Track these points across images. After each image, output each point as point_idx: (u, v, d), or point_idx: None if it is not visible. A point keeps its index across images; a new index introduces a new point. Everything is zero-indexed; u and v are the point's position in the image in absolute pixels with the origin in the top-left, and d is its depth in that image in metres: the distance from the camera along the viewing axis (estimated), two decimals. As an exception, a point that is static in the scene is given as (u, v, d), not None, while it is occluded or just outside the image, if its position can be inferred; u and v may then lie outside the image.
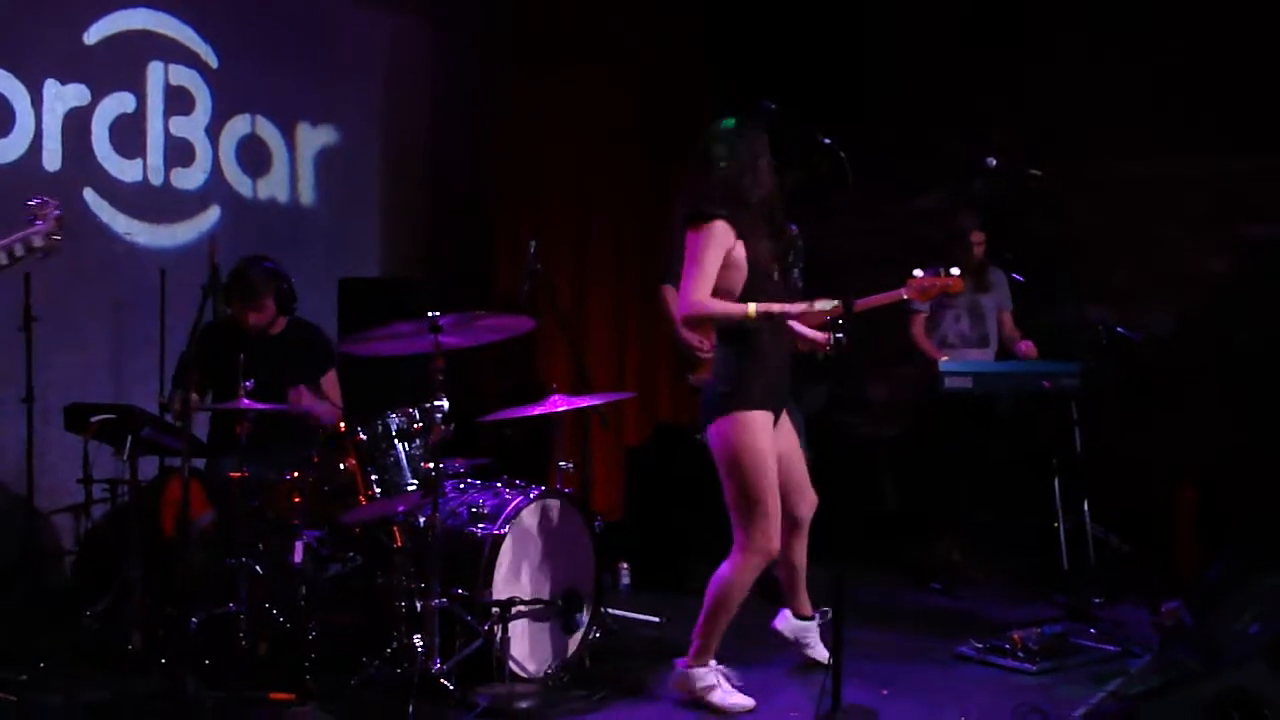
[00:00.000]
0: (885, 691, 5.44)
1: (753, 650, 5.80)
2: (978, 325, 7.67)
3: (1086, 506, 6.91)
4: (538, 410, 5.74)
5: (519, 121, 8.34)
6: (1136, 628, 6.33)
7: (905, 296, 6.06)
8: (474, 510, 5.48)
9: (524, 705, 5.06)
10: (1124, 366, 7.63)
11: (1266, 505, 7.01)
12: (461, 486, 5.76)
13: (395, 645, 5.27)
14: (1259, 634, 4.97)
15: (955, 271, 6.60)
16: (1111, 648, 6.00)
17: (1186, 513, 7.50)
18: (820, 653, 5.66)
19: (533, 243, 6.25)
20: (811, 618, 5.76)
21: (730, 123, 5.26)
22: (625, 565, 7.51)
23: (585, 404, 5.94)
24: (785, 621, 5.79)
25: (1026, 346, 7.47)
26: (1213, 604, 5.87)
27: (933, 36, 9.03)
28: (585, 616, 5.67)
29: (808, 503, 5.52)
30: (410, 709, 4.88)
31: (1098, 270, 8.46)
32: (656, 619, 6.46)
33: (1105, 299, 8.26)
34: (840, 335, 4.86)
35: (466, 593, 5.30)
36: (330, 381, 6.39)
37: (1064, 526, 6.91)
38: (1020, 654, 5.79)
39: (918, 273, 6.56)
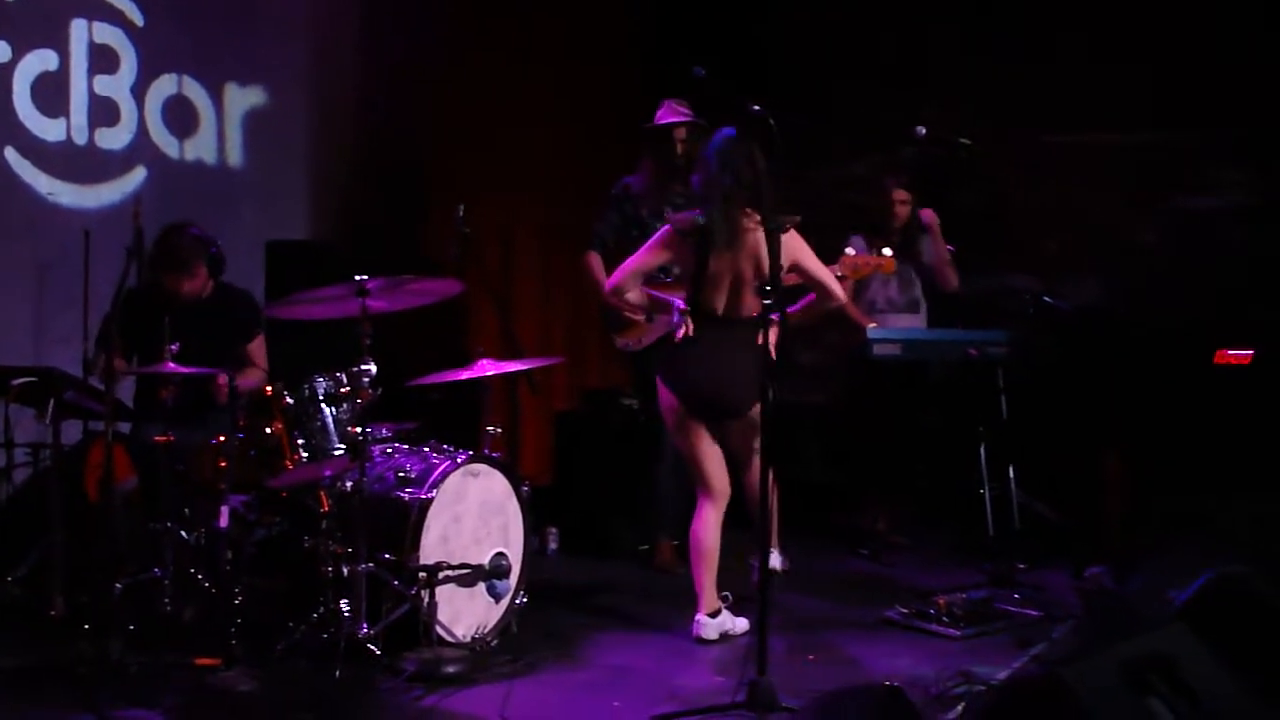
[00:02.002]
0: (811, 657, 5.48)
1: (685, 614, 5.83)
2: (907, 290, 7.66)
3: (1012, 474, 6.97)
4: (466, 375, 5.71)
5: (450, 84, 8.28)
6: (1060, 593, 6.42)
7: (838, 273, 6.08)
8: (401, 475, 5.45)
9: (451, 670, 5.06)
10: (1051, 335, 7.69)
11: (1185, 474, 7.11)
12: (389, 451, 5.73)
13: (322, 610, 5.24)
14: (1179, 597, 5.03)
15: (888, 252, 6.65)
16: (1035, 613, 6.07)
17: (1111, 480, 7.58)
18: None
19: (460, 207, 6.20)
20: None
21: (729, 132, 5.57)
22: (554, 530, 7.50)
23: (514, 368, 5.92)
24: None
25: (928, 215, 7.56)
26: (1135, 569, 5.96)
27: (867, 4, 9.02)
28: (513, 581, 5.66)
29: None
30: (337, 674, 4.87)
31: (1027, 240, 8.51)
32: (584, 583, 6.45)
33: (1034, 268, 8.32)
34: (768, 302, 4.86)
35: (394, 558, 5.28)
36: (257, 346, 6.33)
37: (990, 493, 6.95)
38: (945, 619, 5.85)
39: (850, 250, 6.60)
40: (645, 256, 5.70)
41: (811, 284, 5.66)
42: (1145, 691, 3.95)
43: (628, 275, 5.70)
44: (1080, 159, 8.47)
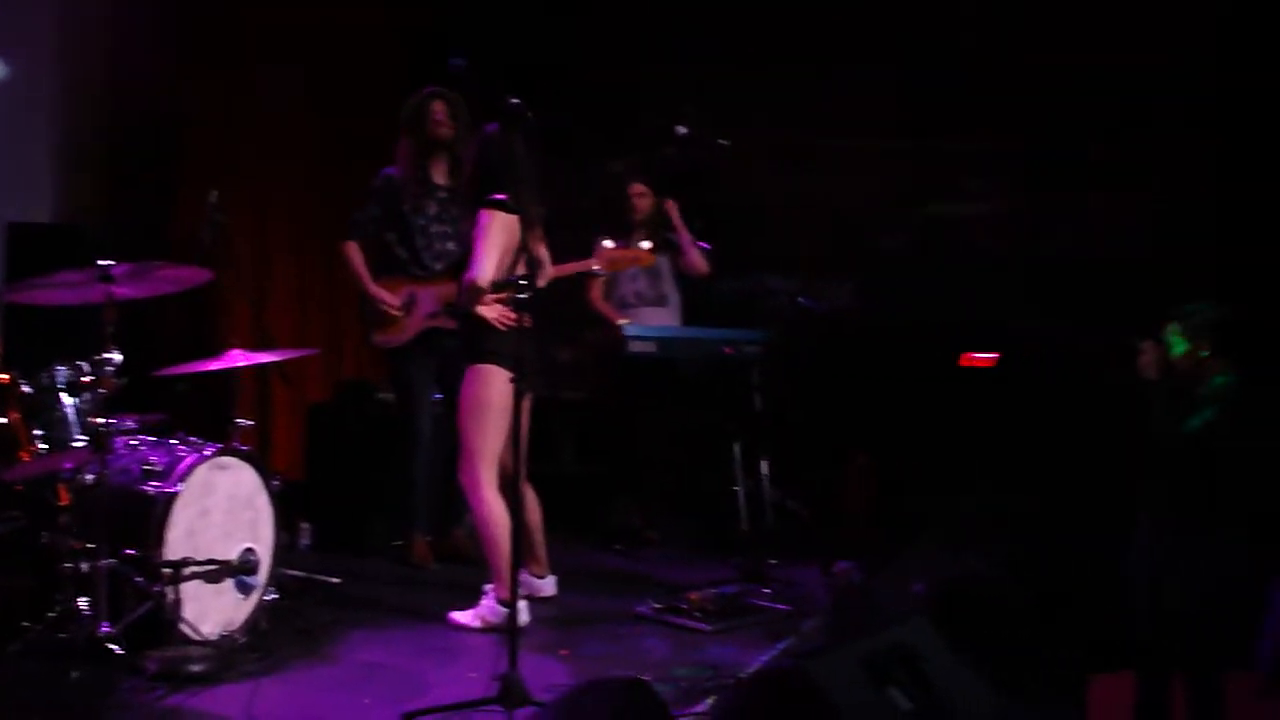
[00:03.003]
0: (564, 651, 5.49)
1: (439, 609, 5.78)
2: (655, 284, 7.69)
3: (765, 470, 7.08)
4: (215, 365, 5.58)
5: (205, 65, 8.05)
6: (809, 588, 6.55)
7: (595, 267, 6.10)
8: (146, 467, 5.28)
9: (196, 669, 4.92)
10: (804, 335, 7.84)
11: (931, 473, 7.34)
12: (133, 443, 5.54)
13: (60, 609, 5.02)
14: (922, 591, 5.19)
15: (646, 245, 6.70)
16: (785, 607, 6.18)
17: (859, 478, 7.77)
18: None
19: (214, 192, 6.03)
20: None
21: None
22: (306, 525, 7.36)
23: (265, 360, 5.80)
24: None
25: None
26: (881, 565, 6.12)
27: (633, 3, 9.06)
28: (262, 577, 5.54)
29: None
30: (74, 675, 4.70)
31: (784, 241, 8.66)
32: (336, 580, 6.35)
33: (789, 269, 8.48)
34: (523, 296, 4.86)
35: (137, 553, 5.10)
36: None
37: (743, 490, 7.05)
38: (697, 614, 5.92)
39: (607, 243, 6.62)
40: (491, 245, 5.55)
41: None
42: (886, 682, 4.06)
43: (489, 266, 5.54)
44: (837, 163, 8.65)
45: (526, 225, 5.22)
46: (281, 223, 8.42)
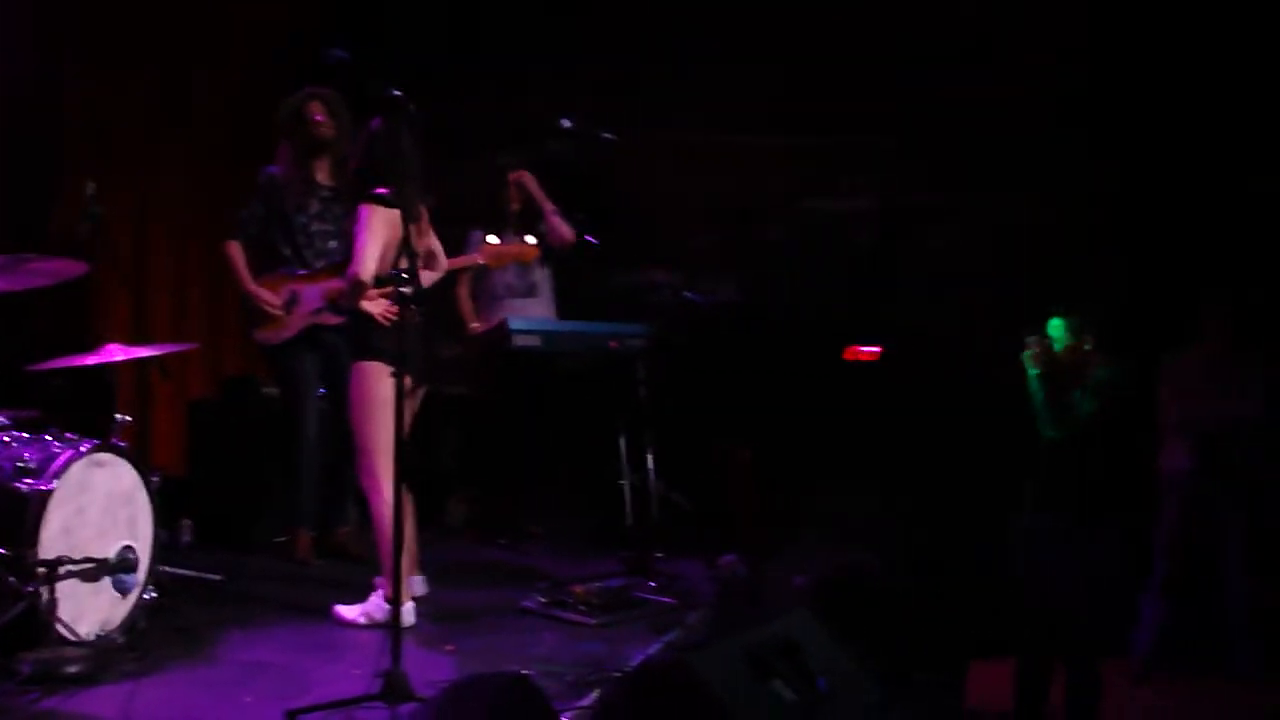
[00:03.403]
0: (450, 647, 5.47)
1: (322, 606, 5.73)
2: (524, 275, 7.65)
3: (651, 464, 7.10)
4: (91, 360, 5.48)
5: (87, 55, 7.89)
6: (695, 581, 6.58)
7: (480, 261, 6.07)
8: (19, 465, 5.15)
9: (72, 670, 4.82)
10: (689, 329, 7.87)
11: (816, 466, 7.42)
12: (5, 439, 5.41)
13: (-73, 610, 4.93)
14: (804, 584, 5.25)
15: (531, 240, 6.69)
16: (670, 601, 6.21)
17: (744, 471, 7.82)
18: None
19: (90, 184, 5.92)
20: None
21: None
22: (187, 522, 7.25)
23: (144, 354, 5.71)
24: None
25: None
26: (765, 558, 6.18)
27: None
28: (141, 575, 5.45)
29: None
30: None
31: (669, 235, 8.70)
32: (218, 577, 6.26)
33: (675, 263, 8.51)
34: (406, 290, 4.82)
35: (9, 552, 4.99)
36: None
37: (629, 484, 7.07)
38: (582, 607, 5.93)
39: (490, 237, 6.61)
40: (373, 240, 5.49)
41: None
42: (769, 675, 4.09)
43: (371, 261, 5.49)
44: (721, 159, 8.70)
45: (410, 219, 5.18)
46: (162, 216, 8.27)
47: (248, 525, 7.24)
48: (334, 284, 6.06)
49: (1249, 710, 6.62)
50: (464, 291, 7.67)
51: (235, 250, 6.85)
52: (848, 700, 4.35)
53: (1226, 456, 6.79)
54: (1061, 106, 8.09)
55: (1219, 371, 6.86)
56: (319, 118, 6.73)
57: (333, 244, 6.76)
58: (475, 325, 7.39)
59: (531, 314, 7.48)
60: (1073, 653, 5.63)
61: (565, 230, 7.54)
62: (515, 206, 7.58)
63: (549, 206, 7.55)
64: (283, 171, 6.84)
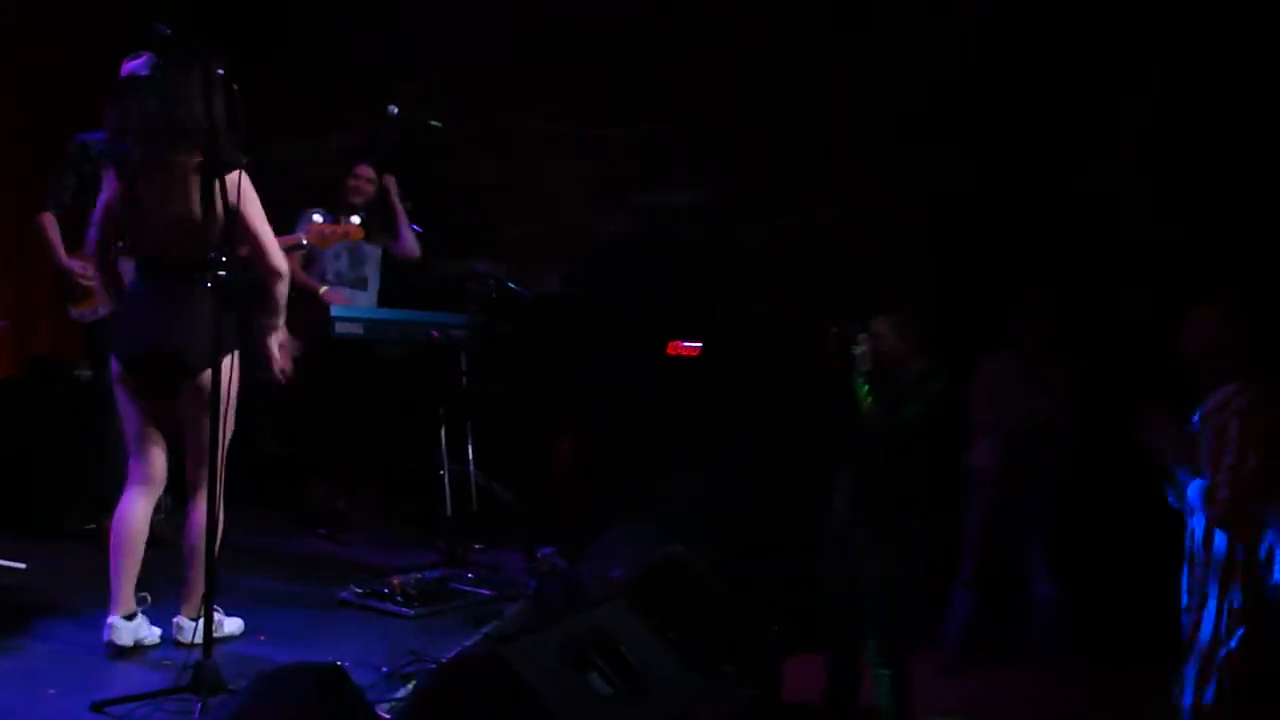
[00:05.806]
0: (263, 637, 5.40)
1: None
2: (356, 266, 7.62)
3: (471, 455, 7.09)
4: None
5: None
6: (513, 573, 6.59)
7: (305, 241, 5.99)
8: None
9: None
10: (512, 320, 7.86)
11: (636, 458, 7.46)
12: None
13: None
14: (621, 577, 5.28)
15: (356, 220, 6.63)
16: (488, 592, 6.21)
17: (564, 463, 7.85)
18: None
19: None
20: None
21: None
22: (-10, 509, 7.06)
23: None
24: None
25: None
26: (583, 550, 6.20)
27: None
28: (-61, 564, 5.29)
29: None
30: None
31: (493, 225, 8.68)
32: (21, 565, 6.09)
33: (499, 253, 8.50)
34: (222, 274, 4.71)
35: None
36: None
37: (449, 474, 7.04)
38: (399, 598, 5.89)
39: (317, 218, 6.53)
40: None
41: (250, 243, 5.04)
42: (585, 666, 4.12)
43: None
44: (549, 149, 8.71)
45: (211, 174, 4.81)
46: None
47: (56, 512, 7.03)
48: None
49: (1052, 693, 6.94)
50: (295, 265, 7.54)
51: (49, 222, 6.58)
52: (663, 692, 4.39)
53: (1033, 454, 7.00)
54: (895, 101, 8.20)
55: (1031, 371, 7.07)
56: None
57: None
58: (325, 290, 7.25)
59: (359, 305, 7.42)
60: (881, 646, 5.75)
61: (413, 246, 7.52)
62: (357, 199, 7.47)
63: (403, 219, 7.51)
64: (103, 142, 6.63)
